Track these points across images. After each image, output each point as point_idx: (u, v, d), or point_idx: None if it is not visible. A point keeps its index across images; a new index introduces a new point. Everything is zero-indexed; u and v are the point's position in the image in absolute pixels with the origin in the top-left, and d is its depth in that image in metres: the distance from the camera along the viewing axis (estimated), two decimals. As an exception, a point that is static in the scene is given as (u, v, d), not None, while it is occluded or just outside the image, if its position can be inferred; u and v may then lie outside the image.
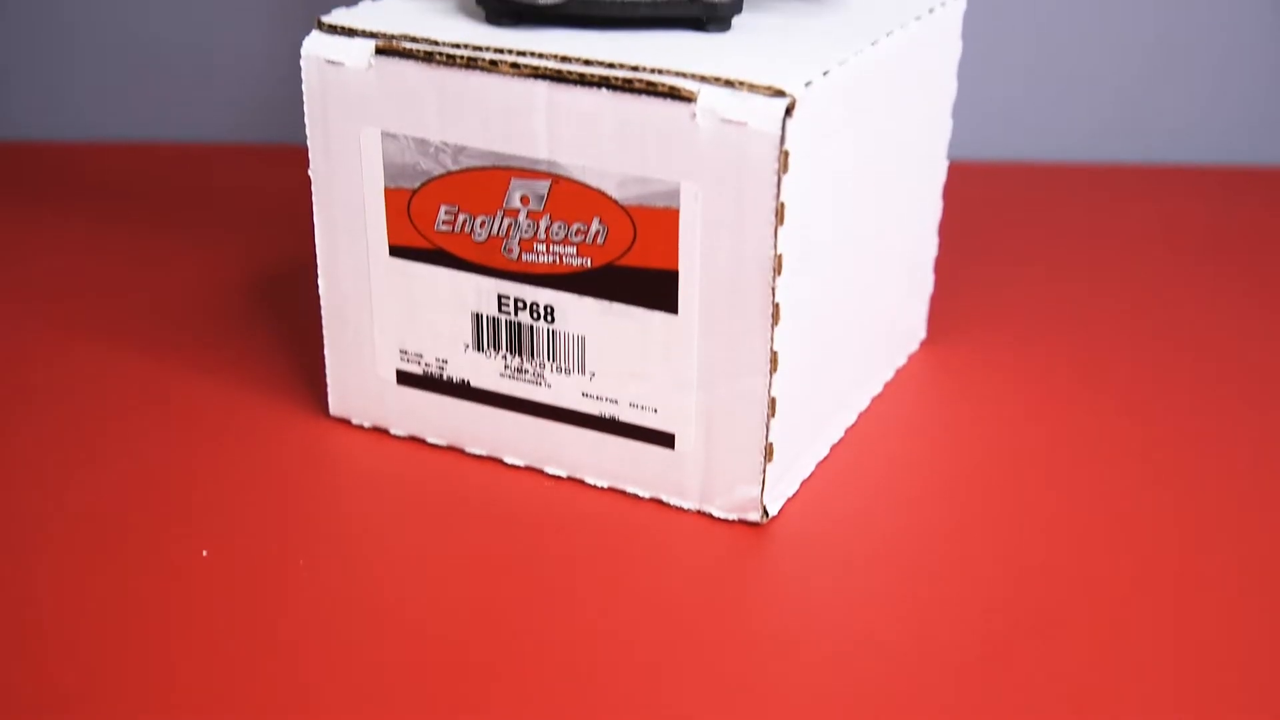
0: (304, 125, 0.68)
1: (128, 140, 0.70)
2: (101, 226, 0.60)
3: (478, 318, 0.42)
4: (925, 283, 0.51)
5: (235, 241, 0.59)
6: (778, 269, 0.38)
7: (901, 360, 0.50)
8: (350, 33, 0.40)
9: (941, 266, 0.52)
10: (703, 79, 0.37)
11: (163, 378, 0.48)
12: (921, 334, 0.51)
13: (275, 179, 0.65)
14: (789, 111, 0.36)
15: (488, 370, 0.42)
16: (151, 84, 0.70)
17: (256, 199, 0.63)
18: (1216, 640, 0.37)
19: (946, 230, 0.51)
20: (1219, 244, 0.60)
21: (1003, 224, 0.62)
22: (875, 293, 0.46)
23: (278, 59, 0.69)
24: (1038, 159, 0.70)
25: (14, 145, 0.69)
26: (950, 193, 0.50)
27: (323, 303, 0.44)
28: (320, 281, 0.44)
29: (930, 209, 0.49)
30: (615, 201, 0.39)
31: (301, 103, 0.69)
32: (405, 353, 0.43)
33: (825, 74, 0.38)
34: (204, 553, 0.39)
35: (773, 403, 0.39)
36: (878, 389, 0.48)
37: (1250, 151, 0.70)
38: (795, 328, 0.39)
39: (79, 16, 0.69)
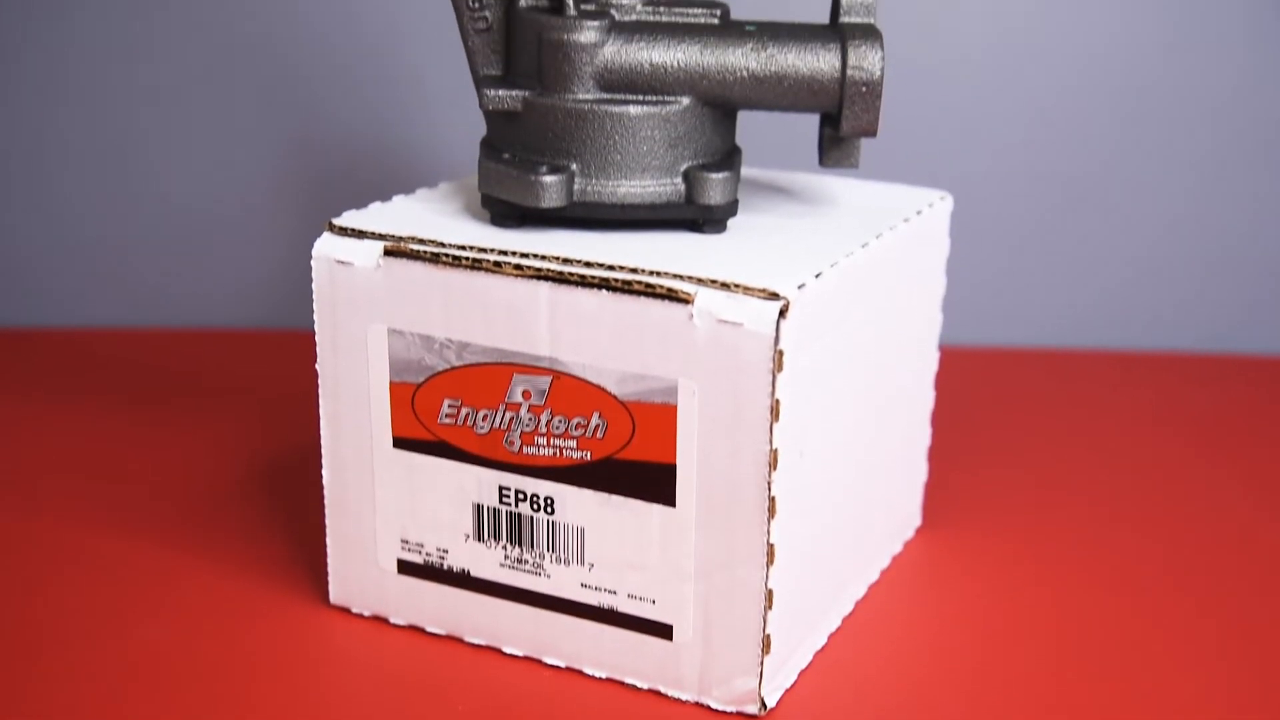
0: (305, 311, 0.70)
1: (132, 326, 0.72)
2: (103, 411, 0.61)
3: (479, 508, 0.43)
4: (919, 471, 0.52)
5: (237, 428, 0.59)
6: (773, 464, 0.39)
7: (897, 548, 0.50)
8: (360, 234, 0.42)
9: (934, 453, 0.53)
10: (699, 281, 0.38)
11: (162, 563, 0.48)
12: (917, 521, 0.52)
13: (277, 365, 0.66)
14: (783, 313, 0.37)
15: (488, 560, 0.43)
16: (157, 269, 0.72)
17: (259, 385, 0.64)
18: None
19: (938, 415, 0.52)
20: (1210, 429, 0.61)
21: (994, 409, 0.63)
22: (870, 483, 0.47)
23: (280, 247, 0.71)
24: (1026, 344, 0.72)
25: (18, 331, 0.71)
26: (941, 378, 0.52)
27: (325, 492, 0.45)
28: (324, 471, 0.45)
29: (922, 399, 0.50)
30: (614, 397, 0.40)
31: (304, 288, 0.70)
32: (406, 542, 0.44)
33: (818, 276, 0.39)
34: (202, 746, 0.39)
35: (770, 595, 0.40)
36: (875, 577, 0.48)
37: (1236, 340, 0.71)
38: (792, 520, 0.40)
39: (85, 202, 0.71)
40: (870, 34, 0.41)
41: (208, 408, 0.61)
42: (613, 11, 0.42)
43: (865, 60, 0.41)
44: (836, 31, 0.42)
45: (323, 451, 0.44)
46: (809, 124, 0.57)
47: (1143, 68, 0.68)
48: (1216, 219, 0.70)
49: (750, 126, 0.50)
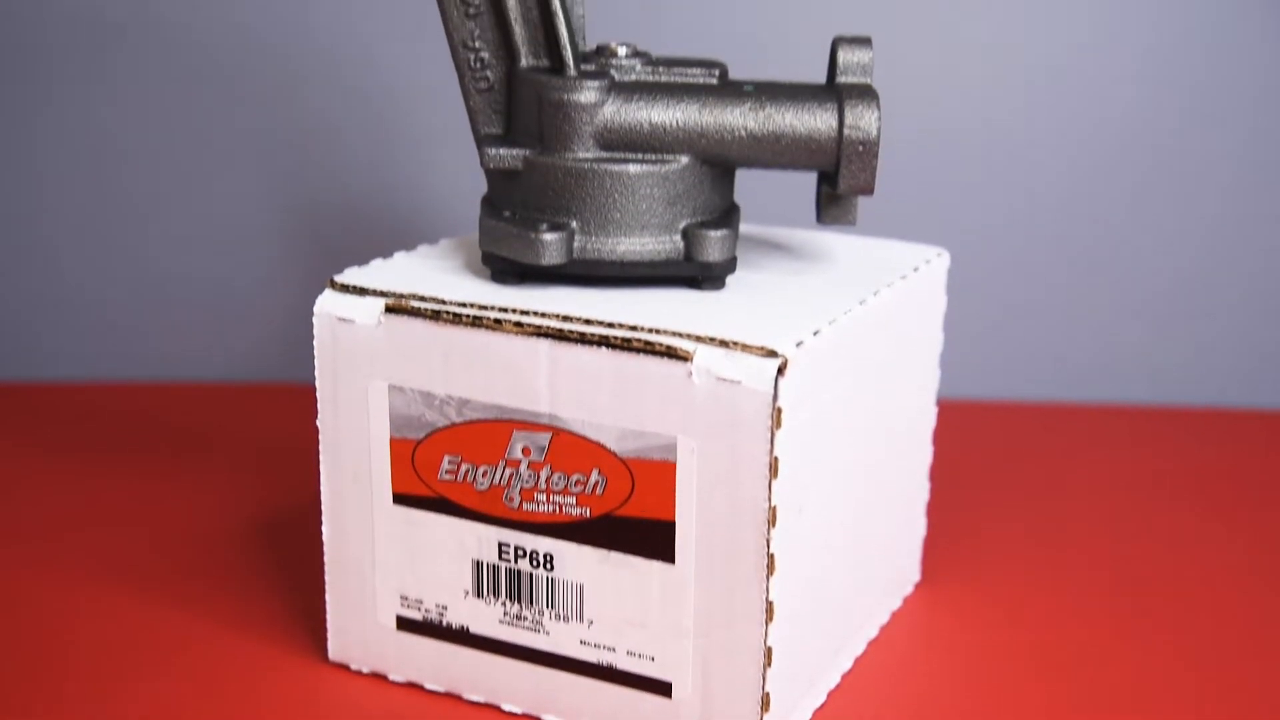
0: (306, 367, 0.70)
1: (134, 381, 0.72)
2: (104, 466, 0.61)
3: (478, 565, 0.43)
4: (918, 526, 0.52)
5: (237, 483, 0.60)
6: (772, 520, 0.39)
7: (896, 603, 0.50)
8: (361, 291, 0.42)
9: (933, 508, 0.53)
10: (698, 339, 0.39)
11: (161, 619, 0.48)
12: (915, 576, 0.52)
13: (278, 420, 0.66)
14: (781, 371, 0.38)
15: (487, 617, 0.43)
16: (160, 325, 0.72)
17: (259, 440, 0.64)
18: None
19: (937, 470, 0.53)
20: (1211, 484, 0.61)
21: (993, 464, 0.63)
22: (869, 539, 0.47)
23: (282, 303, 0.71)
24: (1025, 399, 0.72)
25: (18, 386, 0.71)
26: (940, 433, 0.52)
27: (325, 548, 0.45)
28: (324, 527, 0.45)
29: (920, 454, 0.50)
30: (614, 454, 0.40)
31: (305, 345, 0.71)
32: (406, 599, 0.44)
33: (816, 333, 0.39)
34: (200, 804, 0.39)
35: (769, 652, 0.40)
36: (873, 633, 0.48)
37: (1237, 394, 0.72)
38: (790, 577, 0.40)
39: (88, 258, 0.71)
40: (867, 94, 0.42)
41: (208, 463, 0.62)
42: (612, 72, 0.43)
43: (862, 120, 0.41)
44: (833, 91, 0.42)
45: (323, 507, 0.44)
46: (807, 181, 0.57)
47: (1141, 124, 0.69)
48: (1217, 272, 0.70)
49: (748, 184, 0.50)
